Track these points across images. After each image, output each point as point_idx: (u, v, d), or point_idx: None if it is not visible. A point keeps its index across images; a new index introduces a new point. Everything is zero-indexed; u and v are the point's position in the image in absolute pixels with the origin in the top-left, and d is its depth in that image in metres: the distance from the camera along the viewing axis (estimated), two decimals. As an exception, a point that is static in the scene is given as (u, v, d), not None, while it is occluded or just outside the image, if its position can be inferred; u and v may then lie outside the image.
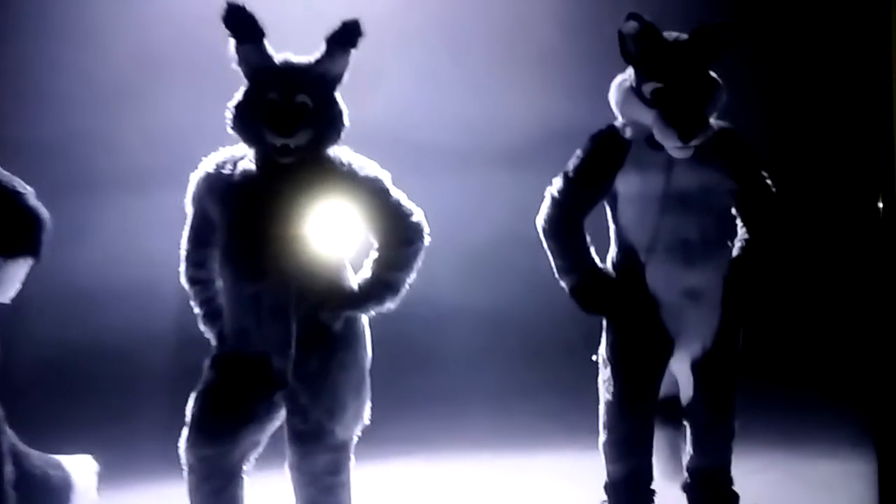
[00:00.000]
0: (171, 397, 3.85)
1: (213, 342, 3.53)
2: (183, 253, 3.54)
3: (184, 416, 3.42)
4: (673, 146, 3.39)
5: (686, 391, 3.65)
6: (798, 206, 3.94)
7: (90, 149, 4.57)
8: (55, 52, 4.59)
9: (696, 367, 3.58)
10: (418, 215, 3.50)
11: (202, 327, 3.56)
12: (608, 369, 3.61)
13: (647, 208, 3.47)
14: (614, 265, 3.60)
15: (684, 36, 3.46)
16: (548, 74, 4.74)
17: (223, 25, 3.31)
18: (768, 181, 3.60)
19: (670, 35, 3.45)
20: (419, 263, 3.50)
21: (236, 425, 3.38)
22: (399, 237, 3.46)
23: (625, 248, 3.56)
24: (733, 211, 3.61)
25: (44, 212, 3.55)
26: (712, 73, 3.48)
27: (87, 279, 4.52)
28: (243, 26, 3.32)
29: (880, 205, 4.17)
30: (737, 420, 3.67)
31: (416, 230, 3.48)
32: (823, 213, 4.70)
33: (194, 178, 3.47)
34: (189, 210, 3.51)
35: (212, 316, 3.53)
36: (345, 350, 3.43)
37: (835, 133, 4.78)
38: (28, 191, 3.56)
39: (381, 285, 3.44)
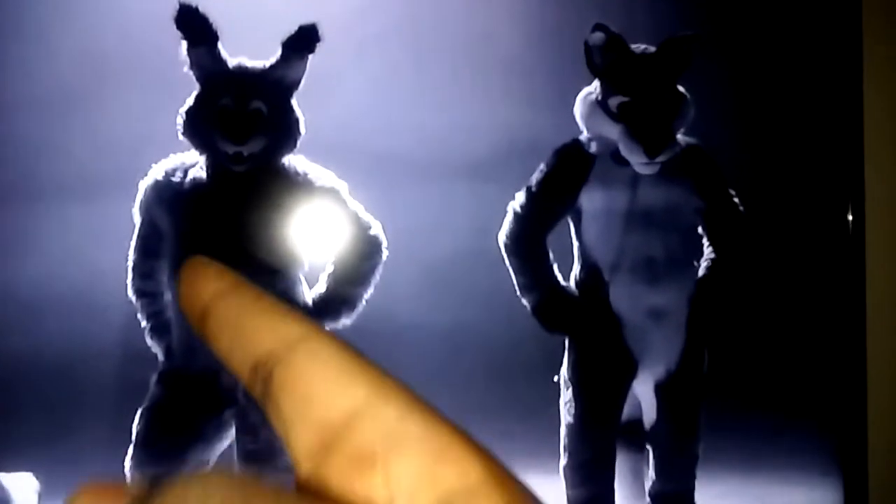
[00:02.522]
0: (116, 414, 3.79)
1: (161, 357, 3.50)
2: (130, 264, 3.48)
3: (129, 433, 3.40)
4: (638, 162, 3.41)
5: (649, 414, 3.67)
6: (766, 225, 3.96)
7: (34, 154, 4.52)
8: (-3, 52, 4.56)
9: (660, 390, 3.59)
10: (376, 228, 3.51)
11: (149, 341, 3.53)
12: (570, 390, 3.63)
13: (611, 225, 3.50)
14: (577, 283, 3.63)
15: (652, 48, 3.49)
16: (511, 85, 4.72)
17: (175, 27, 3.32)
18: (736, 200, 3.64)
19: (638, 47, 3.48)
20: (376, 278, 3.51)
21: (184, 443, 3.37)
22: (356, 250, 3.49)
23: (588, 265, 3.58)
24: (700, 229, 3.64)
25: None
26: (680, 88, 3.52)
27: (30, 290, 4.46)
28: (196, 28, 3.29)
29: (850, 216, 4.21)
30: (701, 444, 3.69)
31: (373, 243, 3.49)
32: (791, 231, 4.72)
33: (143, 186, 3.43)
34: (137, 219, 3.49)
35: (159, 330, 3.48)
36: None
37: (803, 148, 4.81)
38: None
39: (336, 300, 3.47)
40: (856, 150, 4.38)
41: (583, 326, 3.57)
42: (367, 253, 3.51)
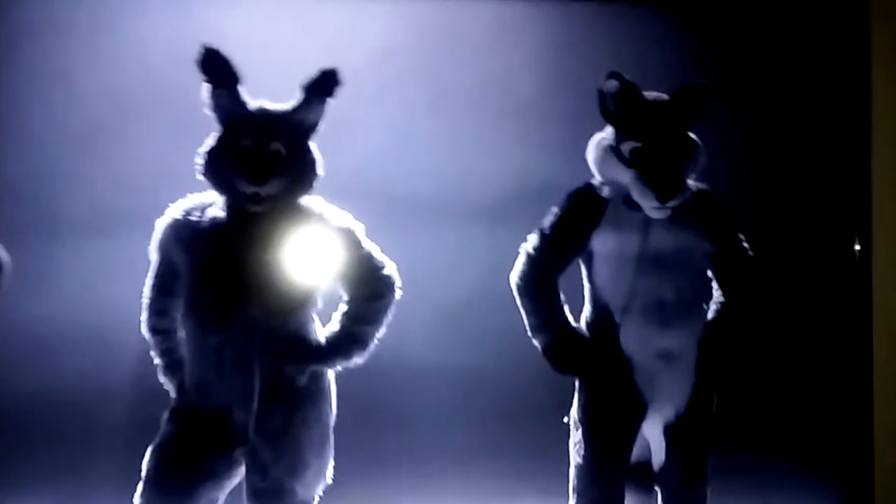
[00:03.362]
0: (127, 450, 3.80)
1: (173, 394, 3.52)
2: (145, 301, 3.52)
3: (140, 470, 3.38)
4: (650, 206, 3.44)
5: (658, 456, 3.66)
6: (775, 269, 3.98)
7: (54, 190, 4.52)
8: (23, 89, 4.56)
9: (669, 432, 3.59)
10: (390, 268, 3.51)
11: (162, 379, 3.55)
12: (579, 431, 3.62)
13: (622, 268, 3.51)
14: (588, 325, 3.63)
15: (665, 96, 3.53)
16: (525, 130, 4.74)
17: (198, 69, 3.34)
18: (745, 244, 3.65)
19: (651, 95, 3.52)
20: (389, 318, 3.51)
21: (193, 481, 3.36)
22: (370, 290, 3.48)
23: (599, 307, 3.59)
24: (709, 273, 3.65)
25: (3, 254, 3.54)
26: (692, 135, 3.55)
27: (46, 326, 4.45)
28: (218, 70, 3.35)
29: (857, 257, 4.24)
30: (709, 486, 3.67)
31: (387, 283, 3.50)
32: (800, 275, 4.74)
33: (160, 225, 3.47)
34: (153, 257, 3.51)
35: (172, 367, 3.51)
36: (309, 406, 3.43)
37: (812, 196, 4.84)
38: None
39: (349, 339, 3.46)
40: (864, 200, 4.42)
41: (593, 368, 3.56)
42: (380, 293, 3.49)
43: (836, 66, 4.76)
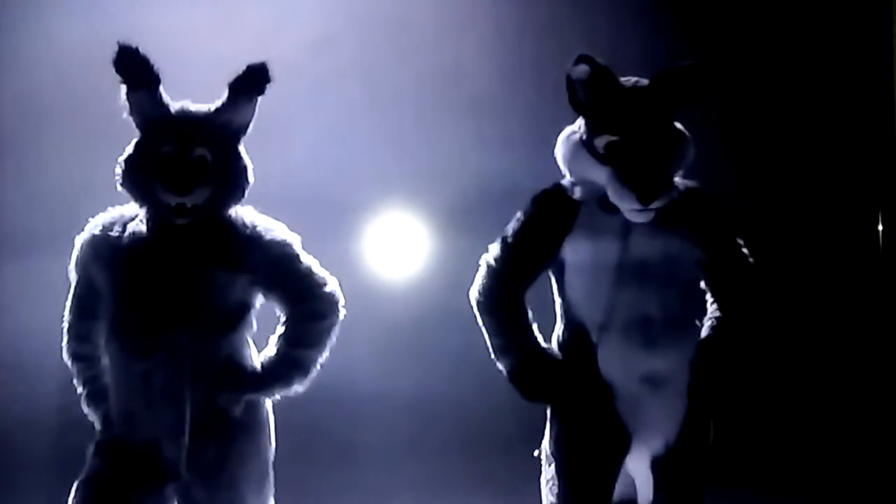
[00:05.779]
0: (50, 486, 3.71)
1: (98, 425, 3.40)
2: (65, 325, 3.42)
3: (65, 507, 3.31)
4: (630, 209, 3.20)
5: (644, 494, 3.43)
6: (780, 278, 3.76)
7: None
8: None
9: (658, 467, 3.34)
10: (332, 285, 3.40)
11: (86, 409, 3.43)
12: (552, 467, 3.41)
13: (599, 280, 3.28)
14: (560, 345, 3.40)
15: (644, 81, 3.29)
16: (483, 125, 4.75)
17: (114, 70, 3.22)
18: (743, 249, 3.42)
19: (628, 80, 3.29)
20: (333, 340, 3.40)
21: (122, 521, 3.21)
22: (309, 310, 3.36)
23: (573, 325, 3.37)
24: (702, 284, 3.42)
25: None
26: (677, 125, 3.31)
27: (-45, 353, 4.47)
28: (136, 71, 3.23)
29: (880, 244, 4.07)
30: (704, 530, 3.52)
31: (329, 302, 3.38)
32: (809, 285, 4.56)
33: (79, 242, 3.37)
34: (73, 277, 3.41)
35: (96, 396, 3.40)
36: (245, 439, 3.32)
37: (821, 193, 4.66)
38: None
39: (287, 364, 3.34)
40: (890, 196, 4.22)
41: (567, 394, 3.33)
42: (321, 312, 3.36)
43: (852, 35, 4.57)
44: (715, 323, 3.38)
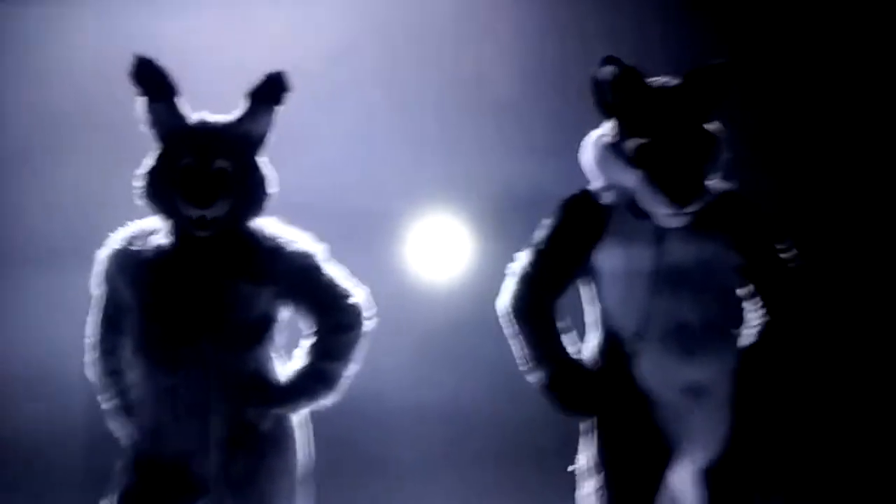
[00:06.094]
0: (77, 502, 3.81)
1: (126, 441, 3.38)
2: (90, 340, 3.40)
3: (96, 526, 3.31)
4: (663, 213, 3.14)
5: None
6: (823, 281, 3.67)
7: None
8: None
9: (704, 480, 3.25)
10: (359, 296, 3.36)
11: (113, 424, 3.41)
12: (595, 480, 3.29)
13: (634, 287, 3.21)
14: (597, 355, 3.32)
15: (675, 80, 3.23)
16: (506, 130, 4.67)
17: (132, 82, 3.23)
18: (784, 254, 3.32)
19: (657, 80, 3.22)
20: (361, 352, 3.36)
21: (152, 538, 3.24)
22: (335, 322, 3.34)
23: (608, 335, 3.28)
24: (738, 290, 3.32)
25: None
26: (710, 125, 3.24)
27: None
28: (154, 82, 3.24)
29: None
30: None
31: (355, 313, 3.35)
32: (856, 287, 4.48)
33: (101, 257, 3.35)
34: (96, 292, 3.38)
35: (124, 412, 3.38)
36: (274, 455, 3.30)
37: (866, 193, 4.59)
38: None
39: (313, 378, 3.32)
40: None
41: (605, 406, 3.25)
42: (347, 324, 3.32)
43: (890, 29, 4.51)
44: (757, 331, 3.29)
